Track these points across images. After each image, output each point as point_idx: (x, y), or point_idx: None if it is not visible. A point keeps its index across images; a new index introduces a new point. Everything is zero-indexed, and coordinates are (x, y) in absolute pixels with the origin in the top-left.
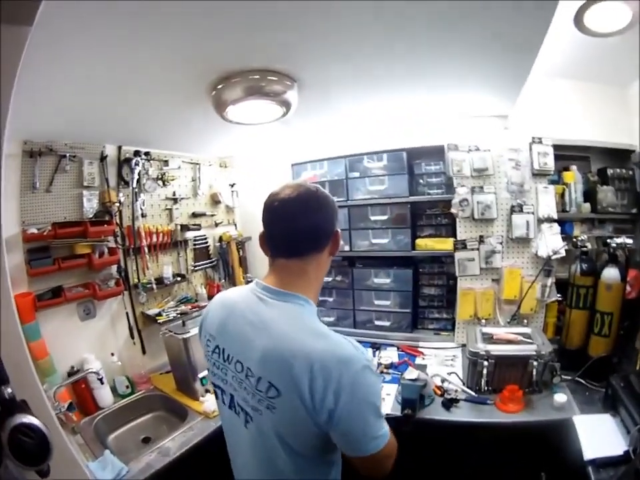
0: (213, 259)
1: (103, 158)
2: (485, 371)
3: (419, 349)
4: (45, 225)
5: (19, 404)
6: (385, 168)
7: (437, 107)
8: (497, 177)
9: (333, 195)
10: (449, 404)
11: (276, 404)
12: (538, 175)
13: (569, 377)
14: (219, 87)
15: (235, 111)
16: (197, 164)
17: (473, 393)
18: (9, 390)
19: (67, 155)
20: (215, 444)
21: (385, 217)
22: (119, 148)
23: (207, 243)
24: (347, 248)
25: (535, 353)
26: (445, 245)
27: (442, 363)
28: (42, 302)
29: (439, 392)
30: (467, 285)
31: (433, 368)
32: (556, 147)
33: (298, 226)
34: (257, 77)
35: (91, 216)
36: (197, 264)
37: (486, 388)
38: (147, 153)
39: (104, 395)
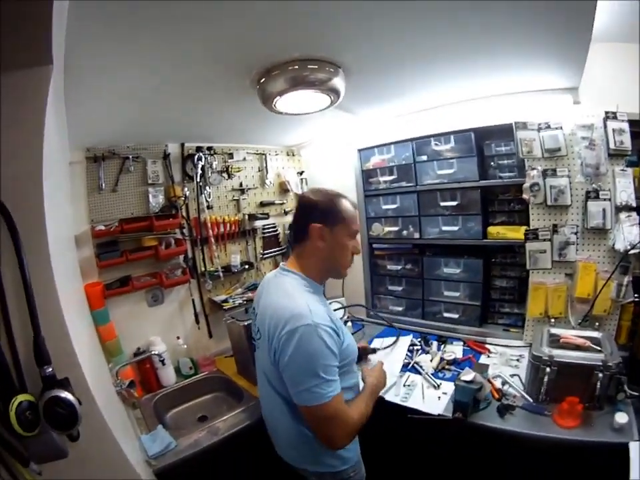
0: (283, 247)
1: (165, 156)
2: (546, 378)
3: (486, 345)
4: (112, 221)
5: (58, 381)
6: (453, 150)
7: (502, 83)
8: (570, 159)
9: (401, 180)
10: (504, 410)
11: (259, 344)
12: (614, 155)
13: (637, 394)
14: (262, 80)
15: (283, 104)
16: (263, 154)
17: (532, 401)
18: (50, 369)
19: (130, 156)
20: (262, 427)
21: (454, 203)
22: (182, 145)
23: (276, 231)
24: (416, 235)
25: (601, 363)
26: (518, 233)
27: (507, 362)
28: (110, 290)
29: (497, 395)
30: (538, 279)
31: (496, 368)
32: (632, 123)
33: (292, 221)
34: (297, 67)
35: (157, 211)
36: (265, 252)
37: (545, 397)
38: (209, 148)
39: (167, 375)
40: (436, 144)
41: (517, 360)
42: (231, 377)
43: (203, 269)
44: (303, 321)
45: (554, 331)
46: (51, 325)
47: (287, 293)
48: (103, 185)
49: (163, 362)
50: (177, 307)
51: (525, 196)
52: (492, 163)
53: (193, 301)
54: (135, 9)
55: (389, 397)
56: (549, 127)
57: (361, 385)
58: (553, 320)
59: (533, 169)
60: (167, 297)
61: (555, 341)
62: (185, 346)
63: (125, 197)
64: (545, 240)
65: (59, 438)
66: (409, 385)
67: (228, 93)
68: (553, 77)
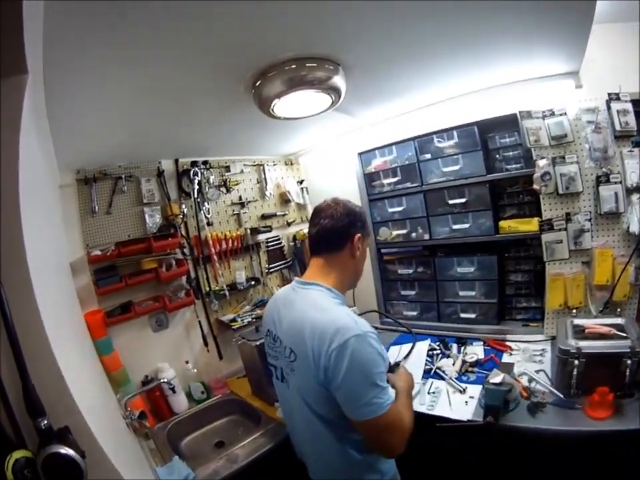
0: (288, 259)
1: (160, 173)
2: (575, 371)
3: (507, 343)
4: (108, 245)
5: (55, 433)
6: (456, 146)
7: (502, 73)
8: (578, 144)
9: (405, 181)
10: (534, 409)
11: (294, 366)
12: (620, 137)
13: None
14: (257, 84)
15: (281, 107)
16: (261, 165)
17: (561, 395)
18: (45, 421)
19: (123, 176)
20: (285, 451)
21: (463, 200)
22: (176, 161)
23: (280, 243)
24: (426, 236)
25: (628, 349)
26: (530, 225)
27: (530, 358)
28: (112, 318)
29: (526, 394)
30: (555, 270)
31: (520, 365)
32: (635, 103)
33: (318, 230)
34: (294, 66)
35: (154, 231)
36: (271, 266)
37: (575, 390)
38: (205, 162)
39: (178, 401)
40: (439, 141)
41: (540, 354)
42: (245, 399)
43: (207, 288)
44: (352, 332)
45: (577, 321)
46: (41, 368)
47: (321, 307)
48: (96, 207)
49: (173, 389)
50: (183, 331)
51: (535, 186)
52: (497, 156)
53: (200, 322)
54: (114, 16)
55: (414, 406)
56: (553, 113)
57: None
58: (574, 310)
59: (542, 158)
60: (172, 320)
61: (580, 332)
62: (195, 370)
63: (120, 218)
64: (560, 230)
65: None
66: (433, 392)
67: (221, 100)
68: (553, 62)
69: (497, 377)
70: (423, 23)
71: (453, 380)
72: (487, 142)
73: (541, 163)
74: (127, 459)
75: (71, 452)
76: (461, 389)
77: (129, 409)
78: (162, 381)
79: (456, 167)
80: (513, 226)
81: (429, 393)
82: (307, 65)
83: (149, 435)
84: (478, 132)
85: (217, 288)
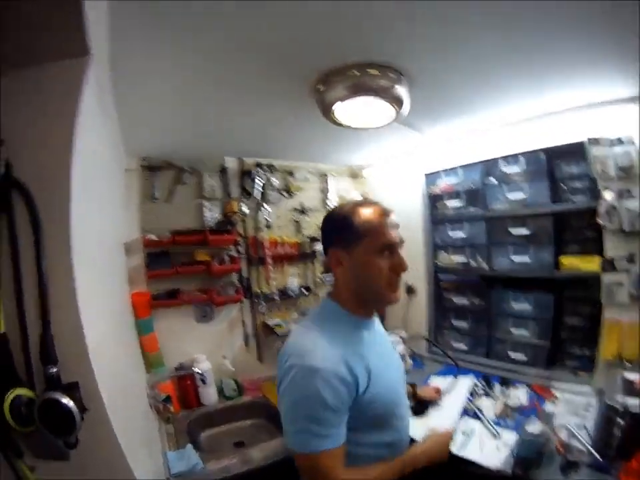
0: None
1: (223, 170)
2: (617, 432)
3: (552, 390)
4: (164, 232)
5: (62, 384)
6: (523, 173)
7: (574, 96)
8: None
9: (469, 205)
10: (568, 468)
11: None
12: None
13: None
14: (320, 88)
15: (342, 113)
16: (325, 175)
17: (599, 457)
18: (54, 369)
19: (186, 168)
20: None
21: (525, 231)
22: (240, 160)
23: None
24: (485, 266)
25: None
26: (592, 264)
27: (574, 411)
28: (157, 301)
29: (562, 450)
30: (613, 316)
31: (562, 417)
32: None
33: None
34: (357, 71)
35: (212, 225)
36: (326, 277)
37: (615, 453)
38: (269, 165)
39: (208, 394)
40: (505, 166)
41: (585, 408)
42: (275, 405)
43: (257, 290)
44: (303, 360)
45: (629, 376)
46: (66, 326)
47: (307, 325)
48: (157, 194)
49: (203, 381)
50: (226, 326)
51: (599, 221)
52: (564, 186)
53: (244, 321)
54: (185, 9)
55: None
56: (621, 142)
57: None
58: (628, 363)
59: (607, 189)
60: (217, 314)
61: (630, 389)
62: (231, 367)
63: (179, 208)
64: (622, 271)
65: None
66: (466, 433)
67: (285, 101)
68: (627, 86)
69: (534, 427)
70: (492, 35)
71: (489, 422)
72: (553, 170)
73: (606, 195)
74: (133, 431)
75: (69, 403)
76: (496, 434)
77: (156, 390)
78: (195, 370)
79: (521, 195)
80: (575, 263)
81: (462, 433)
82: (369, 71)
83: (171, 419)
84: (545, 159)
85: (267, 291)
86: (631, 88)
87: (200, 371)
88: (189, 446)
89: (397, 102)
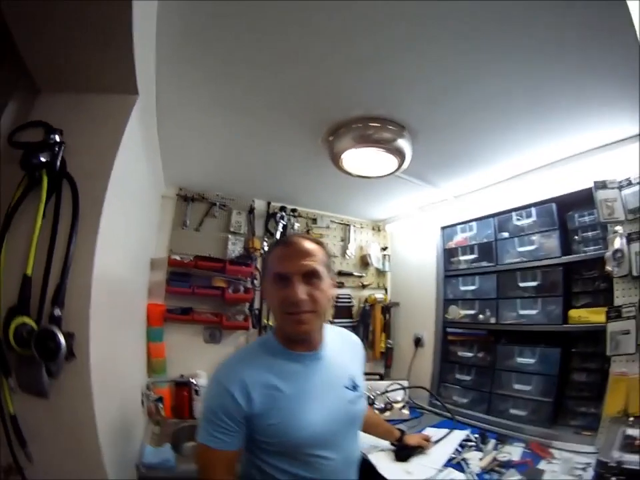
0: (354, 320)
1: (251, 210)
2: None
3: (550, 450)
4: (189, 256)
5: (59, 322)
6: (534, 224)
7: (582, 140)
8: None
9: (482, 259)
10: None
11: None
12: None
13: None
14: (330, 139)
15: (349, 162)
16: (347, 225)
17: None
18: (58, 312)
19: (217, 203)
20: None
21: (535, 284)
22: (268, 203)
23: (350, 302)
24: (492, 320)
25: None
26: (603, 316)
27: (569, 471)
28: (171, 314)
29: None
30: (619, 370)
31: (555, 476)
32: None
33: None
34: (360, 125)
35: (233, 257)
36: (336, 320)
37: None
38: (293, 210)
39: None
40: (517, 219)
41: (583, 469)
42: None
43: (266, 321)
44: (215, 372)
45: (631, 432)
46: (78, 288)
47: (242, 349)
48: (188, 222)
49: (197, 392)
50: (232, 350)
51: (607, 267)
52: (576, 237)
53: None
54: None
55: None
56: (630, 183)
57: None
58: (631, 419)
59: (615, 232)
60: (225, 338)
61: (630, 444)
62: None
63: (206, 237)
64: (628, 318)
65: (46, 380)
66: None
67: (303, 151)
68: (632, 123)
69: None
70: (493, 94)
71: (472, 475)
72: (565, 221)
73: (615, 239)
74: (112, 400)
75: (60, 336)
76: None
77: (151, 391)
78: (192, 381)
79: (531, 247)
80: (584, 316)
81: None
82: (371, 124)
83: (160, 422)
84: (557, 210)
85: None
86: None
87: (197, 383)
88: (168, 445)
89: (398, 153)
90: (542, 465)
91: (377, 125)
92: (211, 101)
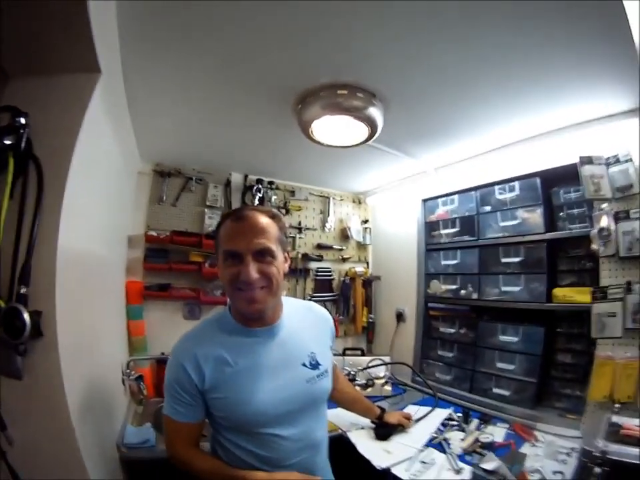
0: (335, 293)
1: (227, 183)
2: None
3: (534, 432)
4: (166, 231)
5: (25, 301)
6: (518, 199)
7: (563, 114)
8: None
9: (463, 233)
10: None
11: None
12: None
13: None
14: (298, 107)
15: (318, 131)
16: (327, 197)
17: None
18: (23, 290)
19: (194, 177)
20: None
21: (517, 259)
22: (245, 176)
23: (330, 275)
24: (474, 295)
25: None
26: (588, 296)
27: (553, 455)
28: (149, 291)
29: None
30: (605, 353)
31: (537, 460)
32: None
33: None
34: (328, 92)
35: (209, 231)
36: (315, 294)
37: None
38: (270, 182)
39: None
40: (500, 192)
41: (567, 454)
42: None
43: None
44: (174, 346)
45: (616, 419)
46: (43, 268)
47: (200, 323)
48: (165, 198)
49: None
50: None
51: (593, 246)
52: (561, 214)
53: None
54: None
55: (397, 470)
56: (617, 160)
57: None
58: (617, 405)
59: (602, 211)
60: (204, 314)
61: (614, 433)
62: None
63: (182, 212)
64: (615, 300)
65: (20, 361)
66: (425, 462)
67: (274, 120)
68: (618, 98)
69: (490, 463)
70: (469, 58)
71: (453, 456)
72: (550, 197)
73: (601, 217)
74: (86, 388)
75: (25, 315)
76: (457, 469)
77: (132, 370)
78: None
79: (514, 222)
80: (568, 295)
81: (420, 462)
82: (339, 91)
83: (143, 402)
84: (541, 185)
85: None
86: (629, 99)
87: None
88: (148, 424)
89: (369, 121)
90: (525, 448)
91: (345, 92)
92: (181, 76)
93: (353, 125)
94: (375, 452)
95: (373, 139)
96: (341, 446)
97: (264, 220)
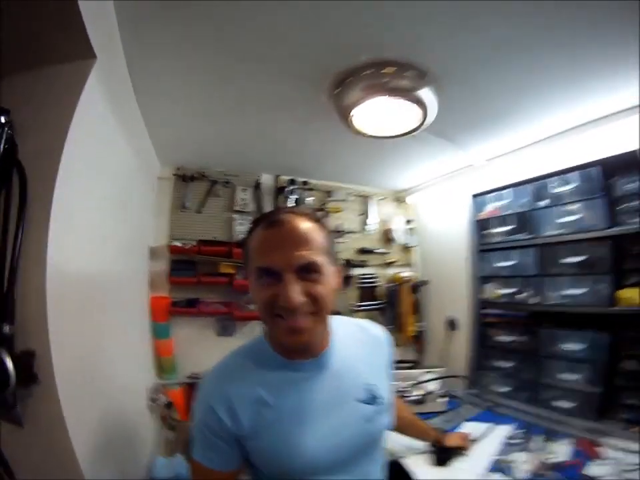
0: (381, 302)
1: (257, 186)
2: None
3: (598, 448)
4: (192, 241)
5: (10, 342)
6: (576, 192)
7: (622, 98)
8: None
9: (519, 231)
10: None
11: None
12: None
13: None
14: (336, 92)
15: (360, 119)
16: (367, 197)
17: None
18: (7, 329)
19: (220, 180)
20: None
21: (579, 259)
22: (276, 177)
23: (375, 282)
24: (534, 300)
25: None
26: None
27: (620, 474)
28: (175, 308)
29: None
30: None
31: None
32: None
33: None
34: (371, 71)
35: (240, 239)
36: (360, 304)
37: None
38: (304, 182)
39: None
40: (557, 185)
41: (633, 471)
42: None
43: None
44: (201, 384)
45: None
46: (30, 297)
47: (231, 355)
48: (188, 204)
49: None
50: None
51: None
52: (621, 207)
53: None
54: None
55: None
56: None
57: None
58: None
59: None
60: (240, 330)
61: None
62: None
63: (209, 219)
64: None
65: (18, 409)
66: None
67: (307, 108)
68: None
69: None
70: (530, 28)
71: None
72: (610, 188)
73: None
74: (99, 425)
75: (8, 361)
76: None
77: (161, 394)
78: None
79: (573, 218)
80: (634, 297)
81: None
82: (384, 71)
83: (175, 427)
84: (602, 175)
85: None
86: None
87: None
88: (178, 455)
89: (420, 104)
90: (591, 467)
91: (392, 70)
92: (195, 64)
93: (403, 109)
94: None
95: (424, 126)
96: (396, 474)
97: (306, 225)
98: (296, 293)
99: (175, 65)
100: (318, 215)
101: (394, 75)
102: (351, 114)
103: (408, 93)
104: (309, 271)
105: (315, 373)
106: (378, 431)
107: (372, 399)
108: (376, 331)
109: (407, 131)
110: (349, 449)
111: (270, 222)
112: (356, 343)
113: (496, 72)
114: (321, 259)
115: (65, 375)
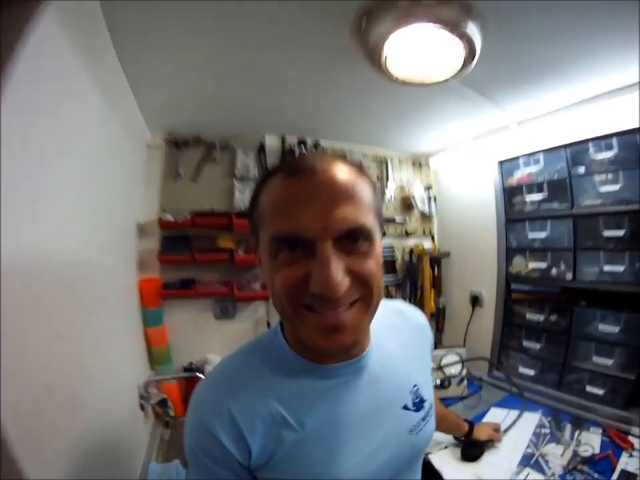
0: (400, 277)
1: (261, 148)
2: None
3: (630, 438)
4: (185, 213)
5: None
6: (616, 159)
7: None
8: None
9: (552, 200)
10: None
11: None
12: None
13: None
14: (362, 25)
15: (394, 59)
16: (384, 161)
17: None
18: None
19: (217, 144)
20: None
21: (620, 233)
22: (282, 138)
23: (393, 255)
24: (568, 275)
25: None
26: None
27: None
28: (168, 290)
29: None
30: None
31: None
32: None
33: None
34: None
35: (242, 209)
36: None
37: None
38: (315, 144)
39: None
40: (595, 151)
41: None
42: None
43: None
44: (193, 397)
45: None
46: None
47: (234, 356)
48: (182, 172)
49: None
50: (250, 326)
51: None
52: None
53: (269, 323)
54: None
55: None
56: None
57: None
58: None
59: None
60: (240, 312)
61: None
62: None
63: (206, 188)
64: None
65: None
66: None
67: (321, 55)
68: None
69: None
70: None
71: (555, 478)
72: None
73: None
74: (77, 448)
75: None
76: None
77: (154, 390)
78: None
79: (615, 187)
80: None
81: None
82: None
83: (170, 424)
84: None
85: None
86: None
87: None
88: (176, 461)
89: (466, 40)
90: (623, 459)
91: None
92: (184, 4)
93: (445, 46)
94: (463, 477)
95: (469, 68)
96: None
97: (346, 175)
98: (339, 272)
99: (159, 5)
100: (360, 163)
101: (433, 3)
102: (383, 51)
103: (453, 24)
104: (355, 239)
105: (352, 379)
106: (424, 440)
107: (419, 404)
108: (417, 317)
109: (446, 77)
110: (393, 468)
111: (296, 168)
112: (395, 334)
113: (546, 17)
114: (371, 222)
115: (18, 398)
